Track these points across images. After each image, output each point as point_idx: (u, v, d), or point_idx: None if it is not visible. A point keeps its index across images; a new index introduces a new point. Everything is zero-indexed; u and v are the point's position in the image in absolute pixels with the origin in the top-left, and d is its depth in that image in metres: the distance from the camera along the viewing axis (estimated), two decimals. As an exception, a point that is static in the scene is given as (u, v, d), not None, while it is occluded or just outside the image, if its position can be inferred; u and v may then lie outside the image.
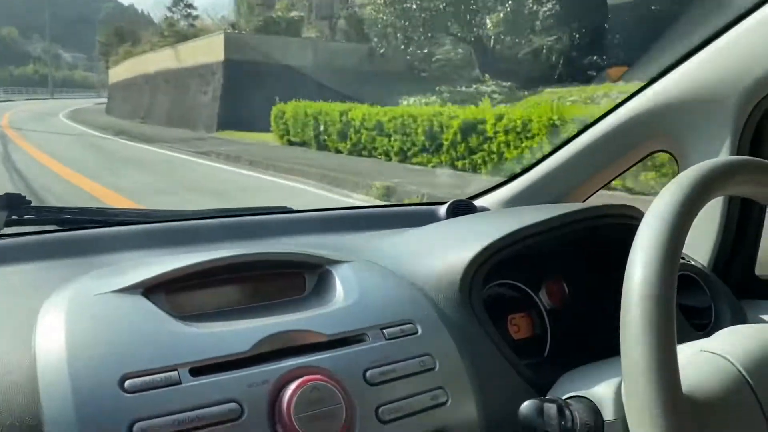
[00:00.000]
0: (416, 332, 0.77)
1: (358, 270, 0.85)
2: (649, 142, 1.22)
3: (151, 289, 0.73)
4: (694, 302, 1.07)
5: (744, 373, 0.63)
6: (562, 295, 1.08)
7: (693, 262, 1.12)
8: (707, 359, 0.65)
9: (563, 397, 0.72)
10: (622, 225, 0.98)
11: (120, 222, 1.05)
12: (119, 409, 0.59)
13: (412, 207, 1.38)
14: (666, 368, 0.53)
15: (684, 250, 1.13)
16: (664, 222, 0.58)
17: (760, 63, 1.03)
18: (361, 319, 0.76)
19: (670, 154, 1.21)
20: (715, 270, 1.15)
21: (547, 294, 1.08)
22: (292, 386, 0.66)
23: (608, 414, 0.69)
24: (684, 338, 0.70)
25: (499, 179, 1.45)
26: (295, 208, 1.27)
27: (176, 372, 0.63)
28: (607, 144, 1.25)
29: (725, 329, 0.73)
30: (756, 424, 0.61)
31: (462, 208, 1.31)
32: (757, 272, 1.18)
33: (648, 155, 1.26)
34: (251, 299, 0.80)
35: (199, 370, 0.65)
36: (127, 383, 0.61)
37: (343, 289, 0.81)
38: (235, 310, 0.77)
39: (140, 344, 0.65)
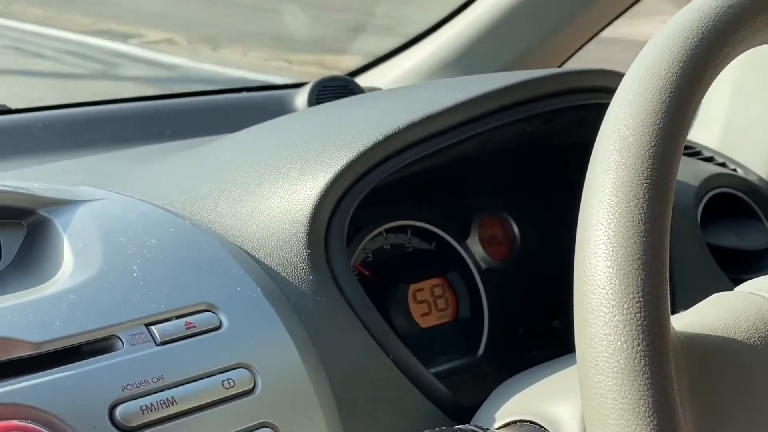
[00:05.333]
0: (218, 327, 0.55)
1: (108, 215, 0.58)
2: None
3: None
4: (743, 239, 0.75)
5: None
6: (508, 242, 0.75)
7: (739, 171, 0.79)
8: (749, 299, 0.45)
9: (496, 426, 0.56)
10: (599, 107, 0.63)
11: None
12: None
13: (254, 93, 0.93)
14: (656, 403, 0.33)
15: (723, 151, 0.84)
16: (649, 95, 0.35)
17: None
18: (107, 308, 0.52)
19: None
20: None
21: (482, 241, 0.74)
22: None
23: None
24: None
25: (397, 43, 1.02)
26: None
27: None
28: None
29: None
30: None
31: (337, 90, 0.87)
32: None
33: None
34: None
35: None
36: None
37: (72, 252, 0.56)
38: None
39: None
